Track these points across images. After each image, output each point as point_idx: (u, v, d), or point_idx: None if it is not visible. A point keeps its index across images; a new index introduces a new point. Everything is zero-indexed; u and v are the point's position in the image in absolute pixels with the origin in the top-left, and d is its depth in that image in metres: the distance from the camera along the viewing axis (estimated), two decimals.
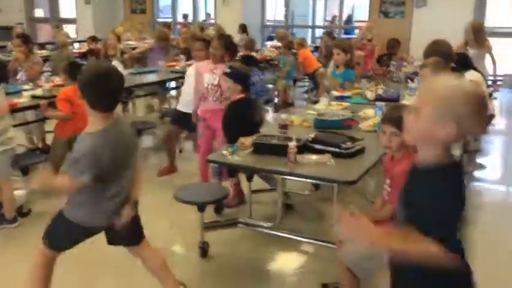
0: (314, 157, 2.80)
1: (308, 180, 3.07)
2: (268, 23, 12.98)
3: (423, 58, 3.91)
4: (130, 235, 2.46)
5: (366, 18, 11.64)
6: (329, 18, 14.39)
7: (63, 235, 2.41)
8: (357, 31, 12.82)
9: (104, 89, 2.18)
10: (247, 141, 3.04)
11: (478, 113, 1.45)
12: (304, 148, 2.94)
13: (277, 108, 7.06)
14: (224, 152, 2.99)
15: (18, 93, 4.59)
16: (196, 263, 3.22)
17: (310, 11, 14.47)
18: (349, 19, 13.97)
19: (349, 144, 2.89)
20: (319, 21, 14.48)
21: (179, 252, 3.41)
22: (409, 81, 4.79)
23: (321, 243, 3.14)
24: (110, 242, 2.50)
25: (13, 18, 13.48)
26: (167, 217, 3.78)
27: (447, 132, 1.44)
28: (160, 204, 3.86)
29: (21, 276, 2.50)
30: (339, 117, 3.56)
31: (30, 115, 4.93)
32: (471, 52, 5.40)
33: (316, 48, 9.34)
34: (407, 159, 2.46)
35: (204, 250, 3.29)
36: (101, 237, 2.46)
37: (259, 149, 2.95)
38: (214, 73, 3.97)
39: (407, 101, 4.09)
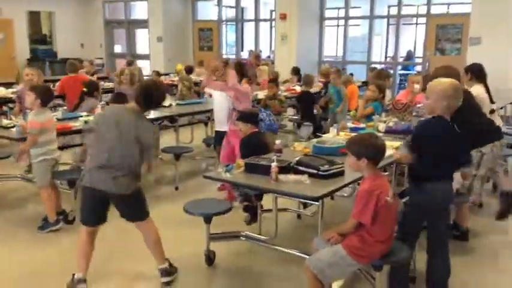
0: (291, 177, 3.19)
1: (284, 196, 3.42)
2: (326, 59, 13.43)
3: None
4: (133, 213, 3.28)
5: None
6: (390, 54, 14.57)
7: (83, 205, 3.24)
8: (417, 67, 12.93)
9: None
10: (242, 162, 3.49)
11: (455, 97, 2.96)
12: (290, 169, 3.34)
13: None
14: (220, 170, 3.46)
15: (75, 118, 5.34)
16: (202, 270, 3.66)
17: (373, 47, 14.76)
18: (409, 55, 14.05)
19: (326, 167, 3.25)
20: (380, 57, 14.73)
21: (187, 259, 3.85)
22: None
23: None
24: (121, 215, 3.28)
25: (94, 53, 15.11)
26: (178, 227, 4.26)
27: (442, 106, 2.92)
28: (173, 216, 4.35)
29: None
30: (336, 144, 3.90)
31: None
32: None
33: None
34: (369, 181, 2.80)
35: (209, 258, 3.72)
36: None
37: (249, 168, 3.39)
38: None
39: None
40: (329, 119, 7.70)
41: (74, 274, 3.23)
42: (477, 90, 4.61)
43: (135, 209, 3.29)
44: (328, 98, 7.73)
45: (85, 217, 3.27)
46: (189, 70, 9.71)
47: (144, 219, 3.32)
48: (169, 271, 3.43)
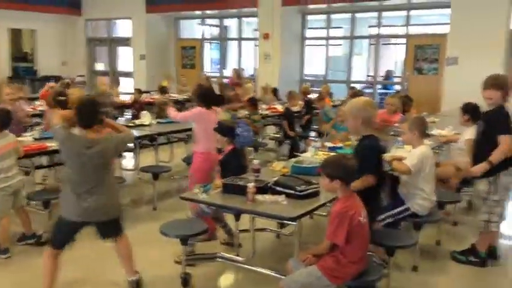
0: (268, 197, 3.19)
1: (261, 217, 3.42)
2: (308, 77, 13.57)
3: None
4: (110, 233, 3.36)
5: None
6: (371, 73, 14.79)
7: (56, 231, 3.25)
8: (396, 87, 13.13)
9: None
10: (219, 182, 3.48)
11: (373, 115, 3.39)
12: (267, 189, 3.34)
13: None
14: (196, 190, 3.44)
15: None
16: None
17: (353, 66, 14.98)
18: (389, 75, 14.26)
19: (303, 187, 3.26)
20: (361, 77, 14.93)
21: (163, 281, 3.80)
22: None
23: None
24: (101, 236, 3.36)
25: (76, 71, 15.04)
26: (155, 248, 4.21)
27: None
28: (150, 236, 4.28)
29: None
30: (314, 164, 3.92)
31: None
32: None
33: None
34: (342, 202, 2.82)
35: (185, 280, 3.67)
36: None
37: (226, 189, 3.38)
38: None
39: (393, 152, 4.34)
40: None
41: None
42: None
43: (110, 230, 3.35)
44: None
45: (58, 241, 3.27)
46: (163, 90, 9.72)
47: (119, 236, 3.38)
48: (139, 283, 3.45)
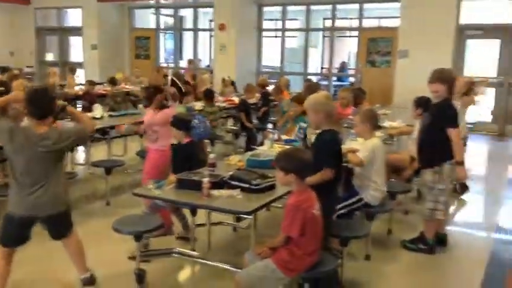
0: (224, 192, 3.17)
1: (216, 211, 3.41)
2: (264, 69, 13.60)
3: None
4: (59, 232, 3.24)
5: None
6: (326, 66, 14.99)
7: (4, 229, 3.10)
8: (350, 79, 13.38)
9: None
10: (173, 177, 3.43)
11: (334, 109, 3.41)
12: (223, 184, 3.33)
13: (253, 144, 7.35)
14: (150, 186, 3.38)
15: None
16: None
17: (309, 58, 15.14)
18: (343, 67, 14.51)
19: (258, 181, 3.27)
20: (316, 69, 15.12)
21: (117, 278, 3.72)
22: None
23: None
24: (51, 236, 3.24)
25: (24, 61, 14.44)
26: (108, 245, 4.11)
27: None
28: (104, 232, 4.15)
29: None
30: (270, 157, 3.92)
31: None
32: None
33: None
34: (296, 195, 2.84)
35: (140, 277, 3.61)
36: None
37: (181, 184, 3.34)
38: None
39: (348, 144, 4.42)
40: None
41: None
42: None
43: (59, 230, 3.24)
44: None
45: (7, 239, 3.15)
46: (113, 82, 9.50)
47: (69, 232, 3.27)
48: (92, 280, 3.36)
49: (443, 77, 3.94)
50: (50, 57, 15.68)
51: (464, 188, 5.97)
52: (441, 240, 4.30)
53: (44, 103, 3.09)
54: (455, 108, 4.01)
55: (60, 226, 3.23)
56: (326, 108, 3.32)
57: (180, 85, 6.83)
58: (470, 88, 6.01)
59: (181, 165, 3.91)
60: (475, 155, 7.57)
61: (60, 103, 3.48)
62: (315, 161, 3.12)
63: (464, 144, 5.97)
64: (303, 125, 4.69)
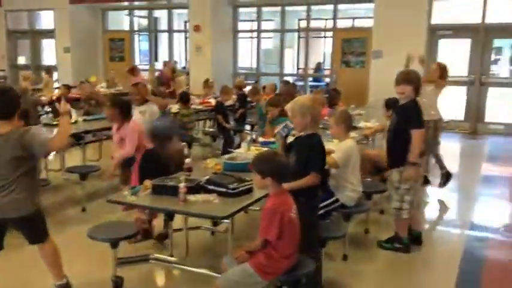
0: (200, 196, 3.16)
1: (193, 217, 3.39)
2: (241, 71, 13.60)
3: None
4: (32, 237, 3.20)
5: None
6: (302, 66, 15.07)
7: None
8: (326, 79, 13.48)
9: None
10: (149, 183, 3.40)
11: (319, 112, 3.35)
12: (199, 188, 3.31)
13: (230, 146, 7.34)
14: (125, 192, 3.34)
15: None
16: None
17: (284, 59, 15.21)
18: (319, 67, 14.60)
19: (235, 185, 3.26)
20: (292, 69, 15.19)
21: (93, 286, 3.67)
22: None
23: None
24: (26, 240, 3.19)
25: None
26: (84, 252, 4.05)
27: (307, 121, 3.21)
28: (79, 239, 4.08)
29: None
30: (247, 160, 3.92)
31: None
32: (428, 89, 5.96)
33: None
34: (273, 198, 2.85)
35: (117, 284, 3.56)
36: None
37: (156, 190, 3.31)
38: None
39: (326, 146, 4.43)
40: None
41: None
42: None
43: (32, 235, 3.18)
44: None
45: None
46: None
47: (45, 239, 3.21)
48: (67, 287, 3.32)
49: (409, 78, 4.00)
50: (22, 60, 15.38)
51: (448, 178, 6.23)
52: (416, 238, 4.36)
53: (5, 102, 3.00)
54: (420, 109, 4.07)
55: (29, 230, 3.16)
56: (312, 111, 3.26)
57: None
58: (444, 72, 6.27)
59: (151, 171, 3.89)
60: (448, 153, 7.71)
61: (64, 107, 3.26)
62: (298, 164, 3.13)
63: (437, 128, 6.25)
64: (290, 124, 4.69)
